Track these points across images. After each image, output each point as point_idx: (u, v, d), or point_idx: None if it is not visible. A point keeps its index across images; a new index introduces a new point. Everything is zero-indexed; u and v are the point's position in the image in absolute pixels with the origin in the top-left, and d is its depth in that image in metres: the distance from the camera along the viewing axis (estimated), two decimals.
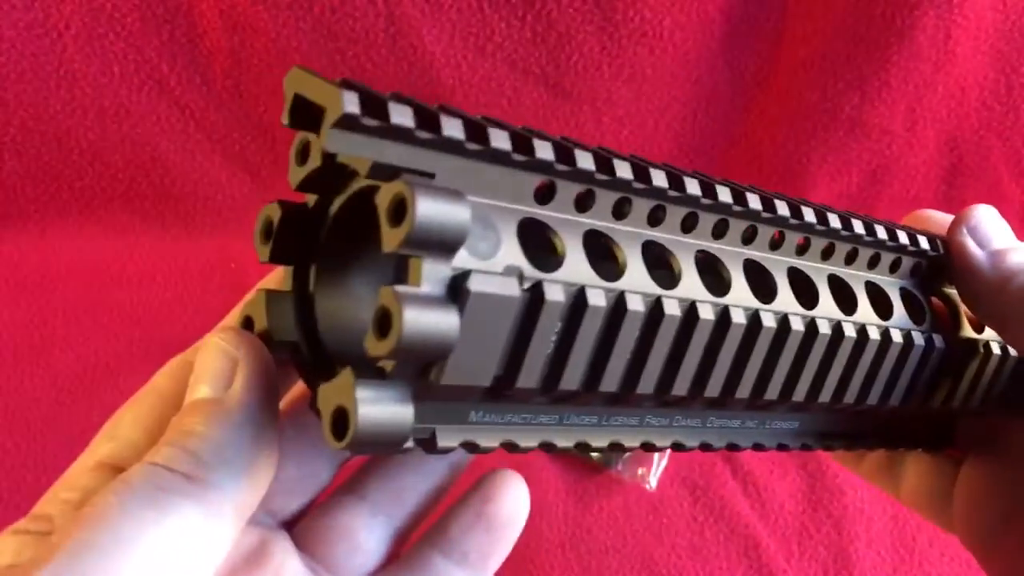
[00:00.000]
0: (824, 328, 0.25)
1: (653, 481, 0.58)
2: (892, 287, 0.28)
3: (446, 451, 0.20)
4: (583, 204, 0.21)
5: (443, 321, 0.17)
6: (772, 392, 0.24)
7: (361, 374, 0.18)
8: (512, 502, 0.28)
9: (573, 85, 0.66)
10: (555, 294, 0.19)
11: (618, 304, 0.20)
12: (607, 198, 0.21)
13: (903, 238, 0.28)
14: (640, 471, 0.58)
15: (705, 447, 0.25)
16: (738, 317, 0.22)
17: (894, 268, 0.28)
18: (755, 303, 0.23)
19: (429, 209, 0.17)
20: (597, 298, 0.20)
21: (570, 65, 0.65)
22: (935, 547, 0.58)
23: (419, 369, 0.18)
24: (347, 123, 0.18)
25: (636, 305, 0.20)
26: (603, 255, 0.21)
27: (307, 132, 0.20)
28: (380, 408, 0.18)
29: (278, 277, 0.24)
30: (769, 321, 0.23)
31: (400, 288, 0.17)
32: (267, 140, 0.68)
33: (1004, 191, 0.70)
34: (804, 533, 0.58)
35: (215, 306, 0.67)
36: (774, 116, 0.68)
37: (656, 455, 0.58)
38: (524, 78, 0.65)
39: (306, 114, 0.19)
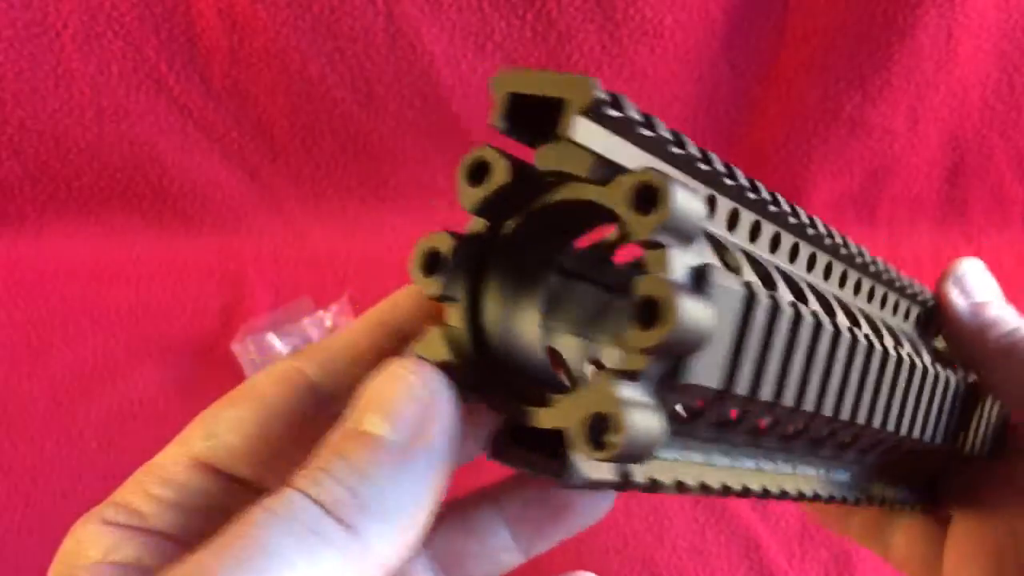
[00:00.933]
0: (889, 350, 0.25)
1: None
2: (909, 333, 0.29)
3: (643, 487, 0.19)
4: (732, 224, 0.21)
5: (704, 309, 0.17)
6: (873, 416, 0.25)
7: (613, 376, 0.17)
8: None
9: None
10: (763, 295, 0.19)
11: (795, 309, 0.20)
12: (747, 219, 0.21)
13: (910, 287, 0.29)
14: None
15: (786, 493, 0.25)
16: (846, 331, 0.23)
17: (906, 316, 0.30)
18: (841, 321, 0.23)
19: (681, 195, 0.16)
20: (786, 305, 0.20)
21: (570, 64, 0.65)
22: None
23: (664, 371, 0.17)
24: (594, 110, 0.17)
25: (807, 315, 0.20)
26: (760, 276, 0.21)
27: (526, 135, 0.19)
28: (643, 415, 0.16)
29: (410, 301, 0.22)
30: (878, 344, 0.24)
31: (664, 276, 0.16)
32: (266, 139, 0.68)
33: (1006, 190, 0.70)
34: (805, 534, 0.58)
35: (214, 306, 0.67)
36: (775, 115, 0.68)
37: None
38: None
39: (526, 115, 0.18)
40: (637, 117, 0.18)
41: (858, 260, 0.25)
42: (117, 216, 0.68)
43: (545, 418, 0.18)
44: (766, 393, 0.20)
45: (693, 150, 0.19)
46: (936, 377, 0.28)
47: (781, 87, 0.67)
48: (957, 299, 0.31)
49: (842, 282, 0.25)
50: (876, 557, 0.58)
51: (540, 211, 0.20)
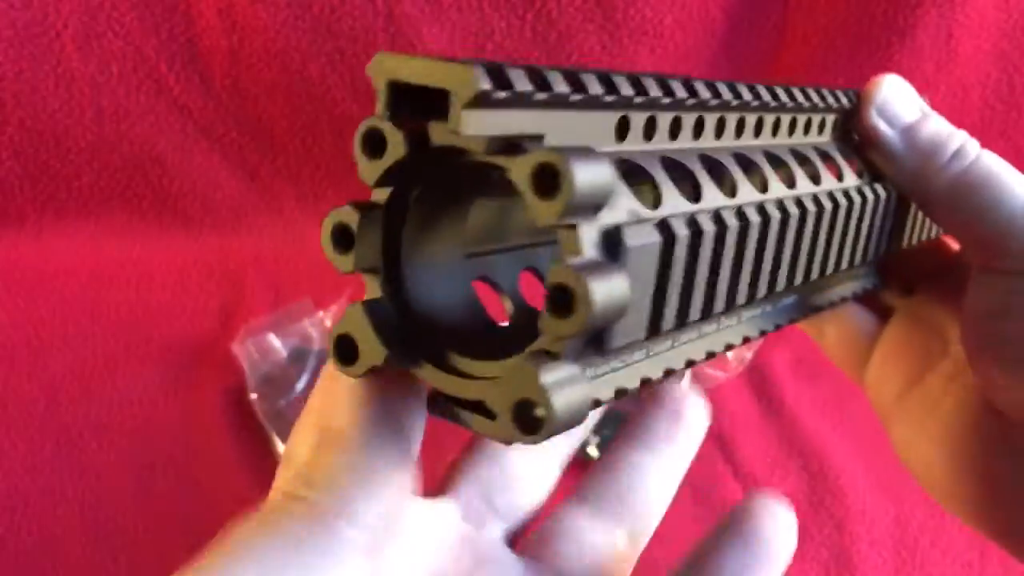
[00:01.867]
0: (817, 203, 0.25)
1: None
2: (830, 148, 0.28)
3: (599, 405, 0.20)
4: (649, 133, 0.21)
5: (617, 283, 0.17)
6: (793, 275, 0.25)
7: (536, 361, 0.17)
8: (780, 531, 0.27)
9: None
10: (681, 229, 0.19)
11: (718, 223, 0.20)
12: (664, 121, 0.21)
13: (819, 98, 0.27)
14: None
15: (747, 339, 0.26)
16: (775, 212, 0.23)
17: (821, 129, 0.28)
18: (758, 196, 0.23)
19: (581, 172, 0.16)
20: (708, 223, 0.20)
21: (570, 64, 0.65)
22: (937, 548, 0.58)
23: (586, 341, 0.18)
24: (481, 100, 0.17)
25: (731, 220, 0.20)
26: (678, 177, 0.21)
27: (412, 123, 0.19)
28: (568, 392, 0.17)
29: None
30: (792, 208, 0.23)
31: (573, 261, 0.16)
32: (266, 139, 0.68)
33: None
34: (805, 534, 0.58)
35: (213, 306, 0.67)
36: None
37: None
38: None
39: (409, 101, 0.18)
40: (527, 88, 0.17)
41: (754, 102, 0.24)
42: (117, 216, 0.68)
43: (470, 389, 0.19)
44: (695, 313, 0.20)
45: (595, 87, 0.18)
46: (864, 200, 0.27)
47: None
48: (886, 132, 0.29)
49: (739, 129, 0.24)
50: (876, 556, 0.58)
51: (445, 173, 0.20)
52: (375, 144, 0.19)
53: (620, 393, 0.21)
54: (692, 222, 0.19)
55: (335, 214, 0.20)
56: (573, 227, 0.17)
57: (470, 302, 0.22)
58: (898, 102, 0.29)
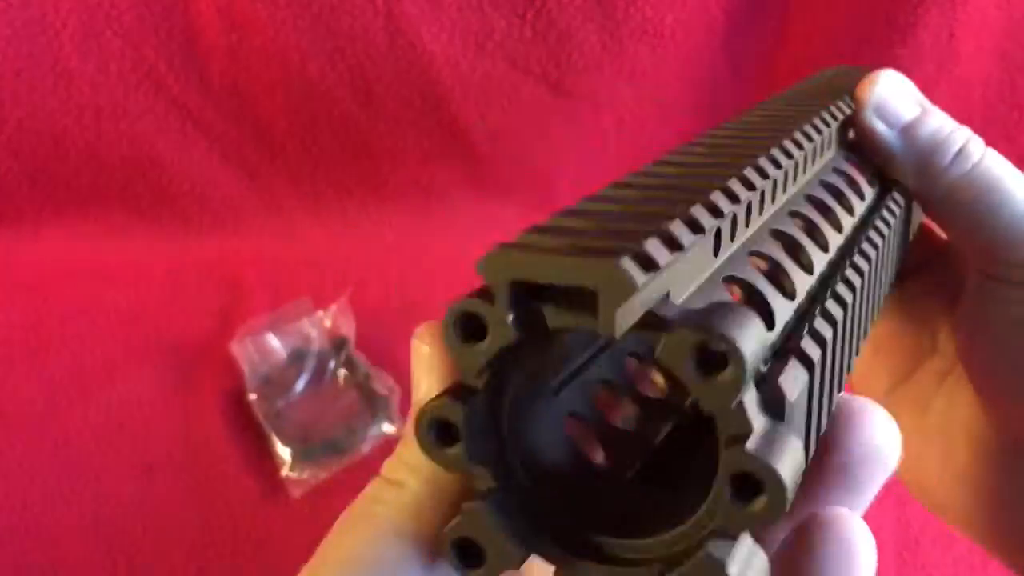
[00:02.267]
0: (872, 243, 0.24)
1: None
2: (840, 162, 0.27)
3: None
4: (732, 237, 0.19)
5: (793, 450, 0.15)
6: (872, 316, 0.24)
7: (720, 550, 0.15)
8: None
9: (574, 84, 0.65)
10: (813, 350, 0.17)
11: (830, 321, 0.19)
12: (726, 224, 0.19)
13: (822, 122, 0.25)
14: None
15: None
16: (857, 270, 0.22)
17: (828, 146, 0.26)
18: (824, 256, 0.22)
19: (747, 344, 0.14)
20: (824, 327, 0.19)
21: (570, 64, 0.64)
22: (938, 547, 0.58)
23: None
24: (633, 293, 0.14)
25: (835, 309, 0.19)
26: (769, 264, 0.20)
27: (537, 319, 0.16)
28: (752, 567, 0.16)
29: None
30: (863, 260, 0.23)
31: (751, 446, 0.15)
32: (265, 139, 0.68)
33: None
34: None
35: (212, 306, 0.67)
36: None
37: None
38: (524, 77, 0.65)
39: (531, 297, 0.16)
40: (668, 259, 0.15)
41: (775, 169, 0.22)
42: (115, 216, 0.68)
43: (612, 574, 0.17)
44: (826, 416, 0.19)
45: (706, 220, 0.17)
46: (894, 216, 0.26)
47: (781, 87, 0.67)
48: (884, 132, 0.27)
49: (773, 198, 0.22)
50: (877, 557, 0.58)
51: (554, 356, 0.18)
52: (472, 329, 0.16)
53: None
54: (814, 333, 0.18)
55: (432, 409, 0.17)
56: (740, 403, 0.15)
57: (569, 448, 0.20)
58: (895, 99, 0.27)
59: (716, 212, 0.17)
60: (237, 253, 0.68)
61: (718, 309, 0.15)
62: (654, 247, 0.15)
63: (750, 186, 0.19)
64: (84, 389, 0.60)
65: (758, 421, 0.15)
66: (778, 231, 0.21)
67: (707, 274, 0.18)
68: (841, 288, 0.20)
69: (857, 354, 0.22)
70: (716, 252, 0.18)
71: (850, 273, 0.21)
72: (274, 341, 0.61)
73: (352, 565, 0.18)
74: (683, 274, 0.17)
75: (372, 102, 0.65)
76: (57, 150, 0.65)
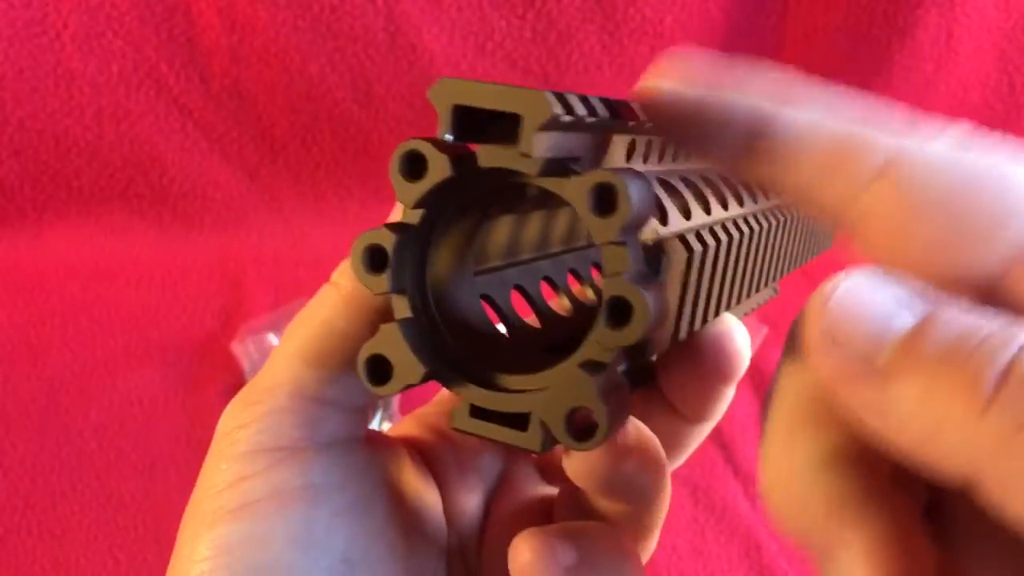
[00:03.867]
0: (758, 222, 0.26)
1: None
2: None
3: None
4: (646, 156, 0.22)
5: (661, 294, 0.18)
6: (756, 284, 0.26)
7: (591, 370, 0.18)
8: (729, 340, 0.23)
9: (574, 84, 0.65)
10: (696, 244, 0.20)
11: (715, 238, 0.21)
12: (653, 146, 0.22)
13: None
14: None
15: None
16: (744, 227, 0.24)
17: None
18: (724, 214, 0.24)
19: (635, 192, 0.17)
20: (709, 238, 0.21)
21: (570, 64, 0.65)
22: None
23: (628, 351, 0.18)
24: (552, 123, 0.17)
25: (722, 235, 0.21)
26: (671, 197, 0.22)
27: (472, 144, 0.19)
28: (618, 400, 0.18)
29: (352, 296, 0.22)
30: (758, 222, 0.25)
31: (627, 274, 0.17)
32: (265, 139, 0.68)
33: None
34: None
35: (213, 306, 0.67)
36: None
37: None
38: (524, 77, 0.65)
39: (473, 126, 0.18)
40: (583, 112, 0.18)
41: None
42: (117, 216, 0.68)
43: (512, 403, 0.19)
44: (698, 323, 0.21)
45: (602, 108, 0.19)
46: (778, 221, 0.29)
47: None
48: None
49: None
50: None
51: (482, 195, 0.21)
52: (415, 166, 0.19)
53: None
54: (699, 237, 0.20)
55: (368, 235, 0.20)
56: (623, 244, 0.17)
57: (483, 318, 0.23)
58: (859, 331, 0.16)
59: (629, 111, 0.20)
60: (238, 253, 0.68)
61: (623, 170, 0.18)
62: (574, 100, 0.18)
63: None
64: (85, 388, 0.60)
65: (638, 264, 0.18)
66: (686, 178, 0.23)
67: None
68: (730, 225, 0.23)
69: (740, 300, 0.25)
70: (628, 158, 0.21)
71: (741, 221, 0.24)
72: (275, 341, 0.61)
73: (298, 357, 0.22)
74: (614, 156, 0.20)
75: (372, 102, 0.65)
76: (58, 150, 0.65)
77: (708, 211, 0.23)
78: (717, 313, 0.23)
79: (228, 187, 0.69)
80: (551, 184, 0.18)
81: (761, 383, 0.65)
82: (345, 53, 0.63)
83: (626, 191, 0.17)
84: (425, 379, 0.20)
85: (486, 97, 0.18)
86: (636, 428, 0.21)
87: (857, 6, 0.63)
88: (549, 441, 0.19)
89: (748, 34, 0.66)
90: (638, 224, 0.18)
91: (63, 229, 0.68)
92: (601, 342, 0.18)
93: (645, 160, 0.22)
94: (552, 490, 0.27)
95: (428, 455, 0.26)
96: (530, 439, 0.19)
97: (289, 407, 0.22)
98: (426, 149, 0.19)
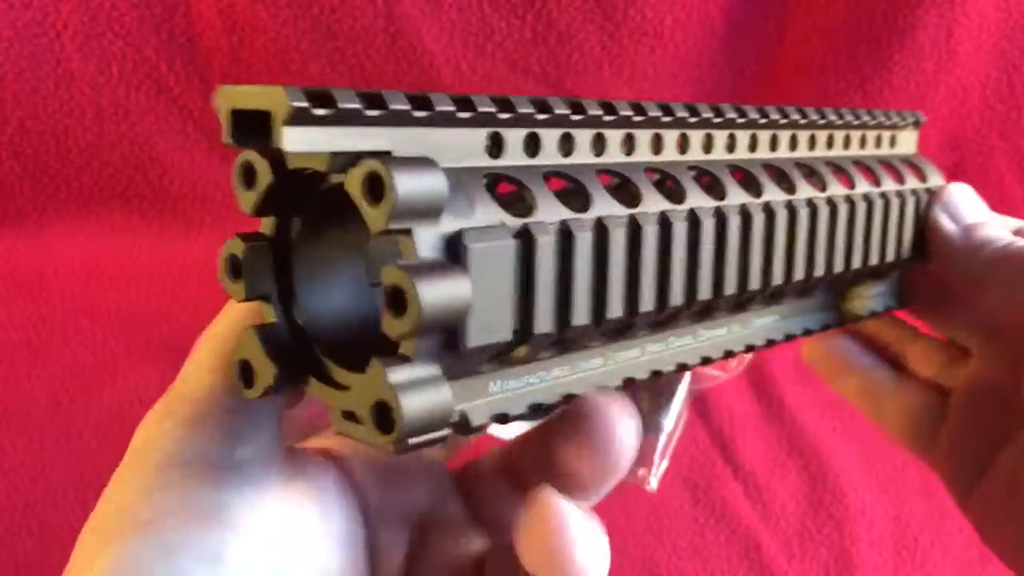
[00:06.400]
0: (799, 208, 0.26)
1: (654, 482, 0.58)
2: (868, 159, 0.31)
3: (479, 430, 0.20)
4: (533, 149, 0.21)
5: (454, 283, 0.17)
6: (752, 281, 0.25)
7: (387, 363, 0.18)
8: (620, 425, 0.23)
9: (574, 85, 0.65)
10: (542, 233, 0.19)
11: (599, 230, 0.21)
12: (551, 137, 0.21)
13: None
14: (640, 472, 0.58)
15: (706, 361, 0.26)
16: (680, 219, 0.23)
17: (863, 144, 0.31)
18: (711, 202, 0.24)
19: (406, 179, 0.17)
20: (579, 228, 0.20)
21: (570, 64, 0.65)
22: (937, 548, 0.58)
23: (442, 342, 0.18)
24: (299, 117, 0.17)
25: (617, 227, 0.21)
26: (570, 192, 0.21)
27: (254, 147, 0.20)
28: (419, 393, 0.18)
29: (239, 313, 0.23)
30: (757, 212, 0.25)
31: (403, 262, 0.17)
32: None
33: (1006, 191, 0.70)
34: (805, 534, 0.58)
35: (213, 306, 0.67)
36: None
37: (656, 455, 0.58)
38: (524, 77, 0.65)
39: (250, 128, 0.19)
40: (353, 105, 0.18)
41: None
42: (117, 216, 0.68)
43: (342, 400, 0.19)
44: (581, 318, 0.20)
45: (445, 105, 0.19)
46: (886, 200, 0.29)
47: (781, 87, 0.67)
48: (947, 224, 0.31)
49: (752, 144, 0.26)
50: (876, 557, 0.58)
51: (319, 197, 0.20)
52: (248, 175, 0.20)
53: (536, 408, 0.21)
54: (563, 228, 0.20)
55: (226, 246, 0.21)
56: (409, 232, 0.17)
57: (369, 320, 0.23)
58: (964, 205, 0.32)
59: (465, 103, 0.20)
60: None
61: (411, 160, 0.17)
62: (341, 95, 0.18)
63: (544, 107, 0.21)
64: (85, 388, 0.60)
65: (427, 253, 0.17)
66: (616, 172, 0.23)
67: (485, 164, 0.20)
68: (648, 217, 0.22)
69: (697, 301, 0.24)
70: (495, 152, 0.20)
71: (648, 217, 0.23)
72: None
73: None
74: (423, 146, 0.19)
75: None
76: (58, 150, 0.65)
77: (634, 204, 0.22)
78: (609, 313, 0.22)
79: (228, 187, 0.69)
80: (342, 180, 0.18)
81: (761, 383, 0.65)
82: (345, 53, 0.63)
83: (390, 176, 0.17)
84: (278, 381, 0.20)
85: (246, 99, 0.18)
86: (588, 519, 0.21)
87: (857, 6, 0.63)
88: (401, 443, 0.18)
89: (748, 34, 0.66)
90: (418, 211, 0.17)
91: (63, 229, 0.68)
92: (388, 332, 0.17)
93: (532, 154, 0.21)
94: (482, 541, 0.26)
95: (348, 469, 0.25)
96: (376, 437, 0.18)
97: (205, 418, 0.22)
98: (253, 157, 0.20)
